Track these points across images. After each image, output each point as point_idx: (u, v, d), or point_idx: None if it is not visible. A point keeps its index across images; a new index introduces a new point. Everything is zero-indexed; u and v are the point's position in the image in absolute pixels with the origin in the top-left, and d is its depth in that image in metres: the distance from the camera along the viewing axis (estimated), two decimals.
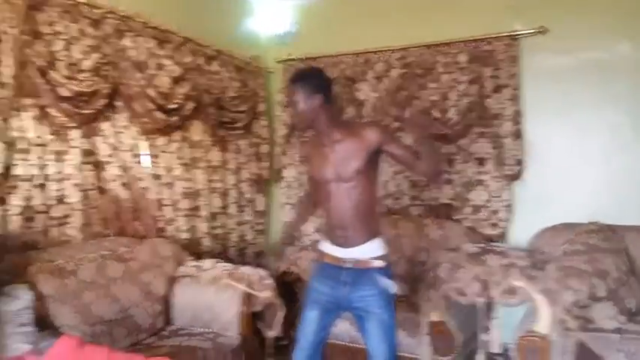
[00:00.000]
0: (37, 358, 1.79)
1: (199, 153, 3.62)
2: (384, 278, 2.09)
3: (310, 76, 2.12)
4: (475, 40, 3.59)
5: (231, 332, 2.72)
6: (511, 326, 2.65)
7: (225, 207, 3.90)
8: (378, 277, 2.09)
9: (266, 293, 2.81)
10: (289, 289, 3.35)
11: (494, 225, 3.56)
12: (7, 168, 2.42)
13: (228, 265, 3.00)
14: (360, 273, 2.11)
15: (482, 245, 2.99)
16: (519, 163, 3.51)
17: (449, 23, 3.70)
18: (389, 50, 3.87)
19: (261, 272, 2.91)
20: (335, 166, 2.10)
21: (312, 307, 2.22)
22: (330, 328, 2.27)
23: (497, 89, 3.52)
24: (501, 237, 3.54)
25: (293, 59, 4.23)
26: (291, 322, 3.34)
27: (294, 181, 4.30)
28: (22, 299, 2.14)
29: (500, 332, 2.72)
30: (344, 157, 2.08)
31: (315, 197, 2.38)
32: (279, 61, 4.33)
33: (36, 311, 2.19)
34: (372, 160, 2.10)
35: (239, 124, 3.97)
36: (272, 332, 2.91)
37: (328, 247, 2.21)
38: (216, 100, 3.69)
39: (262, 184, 4.31)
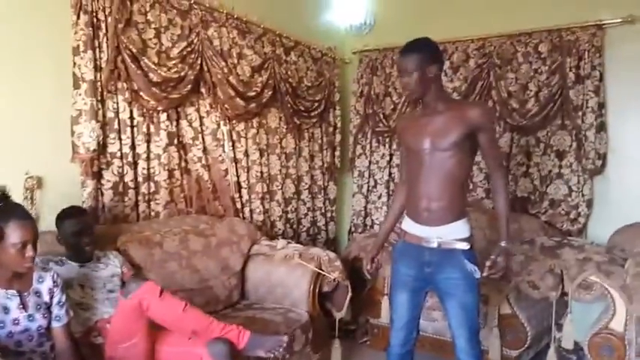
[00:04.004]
0: (125, 298, 1.94)
1: (275, 139, 3.76)
2: (469, 262, 2.04)
3: (425, 47, 2.06)
4: (558, 30, 3.48)
5: (301, 309, 2.83)
6: (585, 322, 2.57)
7: (298, 193, 4.03)
8: (464, 261, 2.03)
9: (335, 274, 2.89)
10: (358, 275, 3.41)
11: (572, 220, 3.45)
12: (103, 145, 2.65)
13: (300, 246, 3.12)
14: (444, 254, 2.06)
15: (559, 239, 2.91)
16: (601, 157, 3.38)
17: (530, 12, 3.61)
18: (467, 40, 3.82)
19: (331, 254, 2.99)
20: (432, 136, 2.06)
21: (401, 290, 2.20)
22: (422, 305, 2.25)
23: (580, 80, 3.40)
24: (580, 233, 3.42)
25: (369, 50, 4.28)
26: (359, 308, 3.42)
27: (365, 171, 4.35)
28: (112, 265, 2.35)
29: (574, 328, 2.63)
30: (442, 128, 2.04)
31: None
32: (355, 52, 4.39)
33: (124, 279, 2.38)
34: (471, 139, 2.05)
35: (314, 113, 4.08)
36: (340, 313, 2.99)
37: (411, 226, 2.16)
38: (292, 88, 3.82)
39: (334, 173, 4.40)
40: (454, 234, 2.07)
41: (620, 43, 3.32)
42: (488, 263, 2.04)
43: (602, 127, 3.36)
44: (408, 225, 2.19)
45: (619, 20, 3.28)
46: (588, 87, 3.37)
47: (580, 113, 3.41)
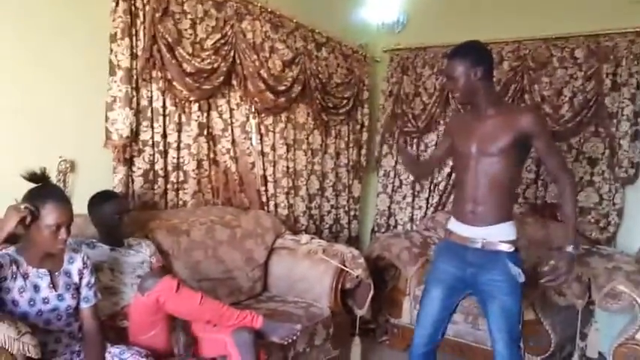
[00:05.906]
0: (142, 295, 1.95)
1: (302, 135, 3.76)
2: (514, 265, 2.00)
3: (470, 50, 2.06)
4: (595, 35, 3.41)
5: (323, 304, 2.83)
6: (611, 332, 2.53)
7: (322, 189, 4.02)
8: (509, 263, 2.00)
9: (358, 271, 2.88)
10: (380, 274, 3.41)
11: (602, 229, 3.38)
12: (136, 133, 2.67)
13: (323, 242, 3.12)
14: (488, 255, 2.04)
15: (587, 247, 2.85)
16: (635, 166, 3.31)
17: (567, 16, 3.55)
18: (502, 42, 3.76)
19: (354, 251, 2.99)
20: (480, 140, 2.05)
21: (436, 286, 2.17)
22: (453, 310, 2.21)
23: (616, 87, 3.34)
24: (609, 242, 3.35)
25: (400, 49, 4.25)
26: (379, 308, 3.41)
27: (391, 170, 4.33)
28: (143, 253, 2.37)
29: (599, 337, 2.59)
30: (490, 133, 2.03)
31: (434, 164, 2.70)
32: (386, 50, 4.37)
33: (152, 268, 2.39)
34: (520, 146, 2.03)
35: (342, 110, 4.07)
36: (361, 311, 2.98)
37: (455, 226, 2.15)
38: (322, 85, 3.81)
39: (360, 171, 4.38)
40: (499, 235, 2.04)
41: None
42: (546, 268, 1.99)
43: (636, 136, 3.30)
44: (453, 225, 2.17)
45: None
46: (624, 94, 3.31)
47: (615, 121, 3.34)
